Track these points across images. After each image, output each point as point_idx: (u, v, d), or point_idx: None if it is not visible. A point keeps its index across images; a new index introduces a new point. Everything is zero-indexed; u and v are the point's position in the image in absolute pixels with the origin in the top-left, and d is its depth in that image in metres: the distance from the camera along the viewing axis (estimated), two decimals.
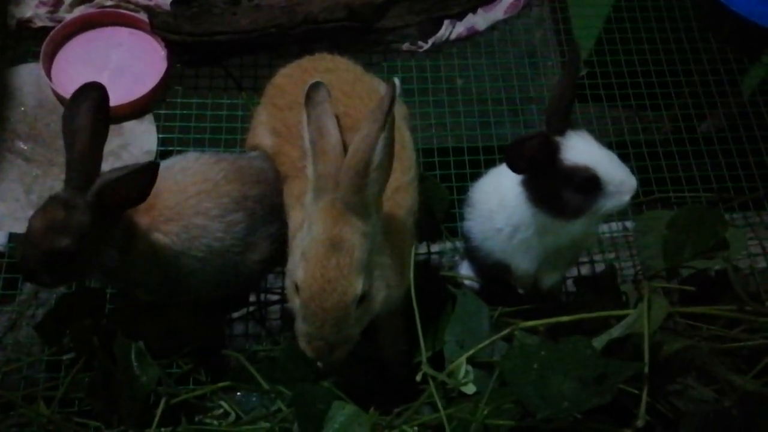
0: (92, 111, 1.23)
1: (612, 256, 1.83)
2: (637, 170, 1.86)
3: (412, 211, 1.35)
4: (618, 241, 1.85)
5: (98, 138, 1.25)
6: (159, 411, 1.18)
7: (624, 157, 1.87)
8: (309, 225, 1.16)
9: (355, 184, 1.13)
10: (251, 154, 1.52)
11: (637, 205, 1.84)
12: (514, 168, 1.22)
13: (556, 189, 1.22)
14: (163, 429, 1.21)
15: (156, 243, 1.31)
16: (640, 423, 1.04)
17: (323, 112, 1.19)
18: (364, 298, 1.14)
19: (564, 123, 1.22)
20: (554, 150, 1.20)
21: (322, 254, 1.11)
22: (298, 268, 1.13)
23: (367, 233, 1.14)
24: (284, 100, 1.45)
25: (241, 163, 1.44)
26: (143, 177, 1.20)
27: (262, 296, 1.68)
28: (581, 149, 1.20)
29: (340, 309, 1.11)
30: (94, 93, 1.23)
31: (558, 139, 1.21)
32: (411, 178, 1.36)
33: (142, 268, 1.32)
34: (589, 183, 1.19)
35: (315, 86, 1.21)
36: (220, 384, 1.30)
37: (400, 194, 1.32)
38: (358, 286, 1.12)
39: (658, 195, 1.84)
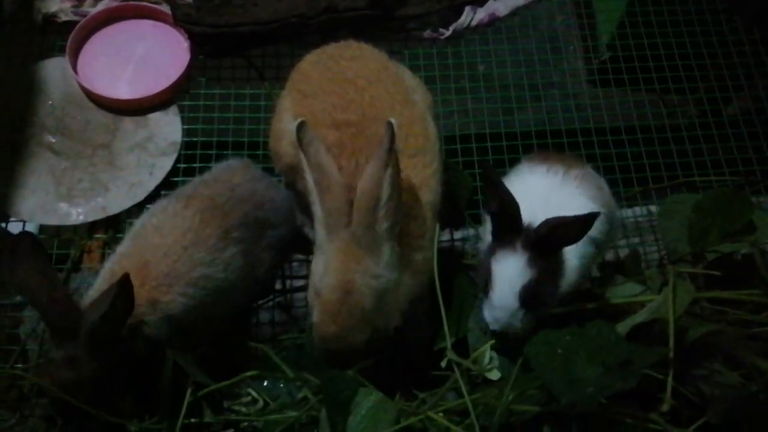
0: (33, 259, 1.18)
1: (636, 240, 1.82)
2: (662, 154, 1.88)
3: (435, 204, 1.35)
4: (642, 225, 1.84)
5: (53, 278, 1.19)
6: (186, 402, 1.20)
7: (648, 142, 1.89)
8: (324, 263, 1.21)
9: (365, 222, 1.18)
10: (216, 168, 1.51)
11: (662, 189, 1.83)
12: (486, 194, 1.27)
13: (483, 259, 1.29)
14: (192, 419, 1.23)
15: (164, 314, 1.29)
16: (665, 407, 1.04)
17: (317, 150, 1.23)
18: (372, 336, 1.21)
19: (536, 243, 1.22)
20: (504, 238, 1.24)
21: (334, 302, 1.17)
22: (314, 307, 1.20)
23: (379, 275, 1.19)
24: (309, 87, 1.44)
25: (209, 193, 1.41)
26: (123, 296, 1.16)
27: (288, 283, 1.70)
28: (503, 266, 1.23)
29: (350, 349, 1.20)
30: (23, 244, 1.18)
31: (515, 243, 1.23)
32: (433, 171, 1.36)
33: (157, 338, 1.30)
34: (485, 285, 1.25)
35: (301, 126, 1.23)
36: (247, 373, 1.31)
37: (422, 190, 1.33)
38: (368, 332, 1.20)
39: (683, 179, 1.83)
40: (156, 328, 1.28)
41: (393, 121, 1.18)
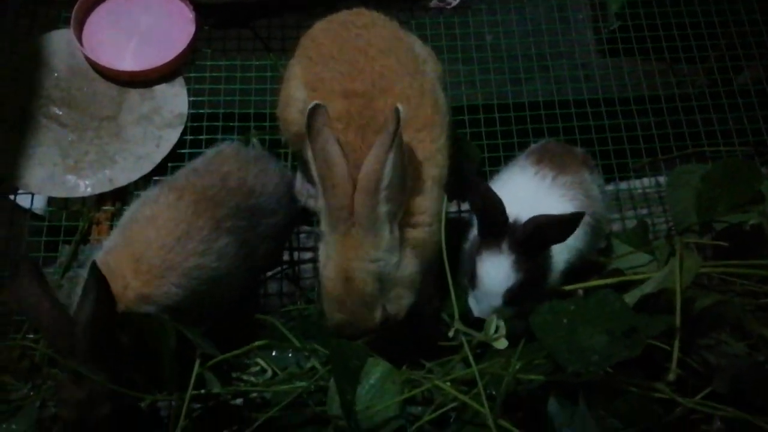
0: (36, 282, 1.17)
1: (645, 211, 1.82)
2: (671, 125, 1.86)
3: (440, 178, 1.35)
4: (651, 196, 1.84)
5: (55, 302, 1.18)
6: (194, 373, 1.21)
7: (657, 112, 1.88)
8: (327, 255, 1.23)
9: (367, 204, 1.19)
10: (207, 155, 1.49)
11: (671, 160, 1.82)
12: (461, 197, 1.28)
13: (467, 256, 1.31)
14: (202, 390, 1.24)
15: (158, 306, 1.28)
16: (671, 377, 1.05)
17: (327, 141, 1.22)
18: (387, 318, 1.24)
19: (521, 243, 1.22)
20: (487, 238, 1.24)
21: (337, 291, 1.21)
22: (322, 295, 1.24)
23: (378, 258, 1.21)
24: (319, 54, 1.42)
25: (202, 184, 1.40)
26: (101, 299, 1.15)
27: (295, 255, 1.71)
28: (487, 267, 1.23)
29: (359, 334, 1.23)
30: (28, 266, 1.18)
31: (500, 243, 1.22)
32: (440, 145, 1.36)
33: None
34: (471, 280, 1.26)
35: (314, 111, 1.22)
36: (256, 343, 1.32)
37: (427, 165, 1.32)
38: (375, 316, 1.22)
39: (693, 150, 1.82)
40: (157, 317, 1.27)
41: (400, 107, 1.18)
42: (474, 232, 1.33)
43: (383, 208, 1.20)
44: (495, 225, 1.22)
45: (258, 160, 1.52)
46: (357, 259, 1.20)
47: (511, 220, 1.23)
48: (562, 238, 1.21)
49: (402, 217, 1.27)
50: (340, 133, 1.29)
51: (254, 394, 1.29)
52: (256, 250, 1.44)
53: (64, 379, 1.15)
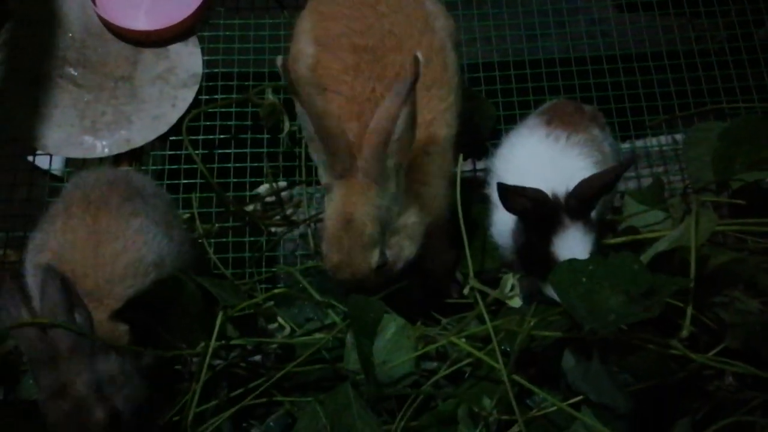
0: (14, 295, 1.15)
1: (660, 169, 1.81)
2: (689, 81, 1.84)
3: (449, 138, 1.35)
4: (667, 154, 1.83)
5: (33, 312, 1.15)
6: (217, 324, 1.24)
7: (675, 68, 1.85)
8: (328, 201, 1.23)
9: (375, 154, 1.18)
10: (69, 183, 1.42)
11: (689, 117, 1.80)
12: (505, 207, 1.20)
13: (531, 248, 1.23)
14: (223, 341, 1.28)
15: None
16: (684, 334, 1.06)
17: (312, 97, 1.19)
18: (384, 264, 1.23)
19: (582, 210, 1.19)
20: (548, 223, 1.19)
21: (335, 232, 1.21)
22: (323, 237, 1.24)
23: (381, 206, 1.21)
24: (329, 9, 1.42)
25: (79, 194, 1.33)
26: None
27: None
28: (572, 250, 1.17)
29: (357, 277, 1.22)
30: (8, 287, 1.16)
31: (565, 220, 1.18)
32: (449, 104, 1.36)
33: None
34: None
35: (284, 67, 1.18)
36: (276, 290, 1.35)
37: (436, 125, 1.32)
38: (371, 259, 1.22)
39: (711, 107, 1.80)
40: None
41: (419, 55, 1.16)
42: (499, 213, 1.30)
43: (391, 161, 1.20)
44: (544, 214, 1.19)
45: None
46: (359, 203, 1.20)
47: (549, 194, 1.20)
48: (608, 192, 1.20)
49: (410, 174, 1.27)
50: (348, 85, 1.30)
51: (274, 346, 1.32)
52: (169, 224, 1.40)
53: (64, 408, 1.10)
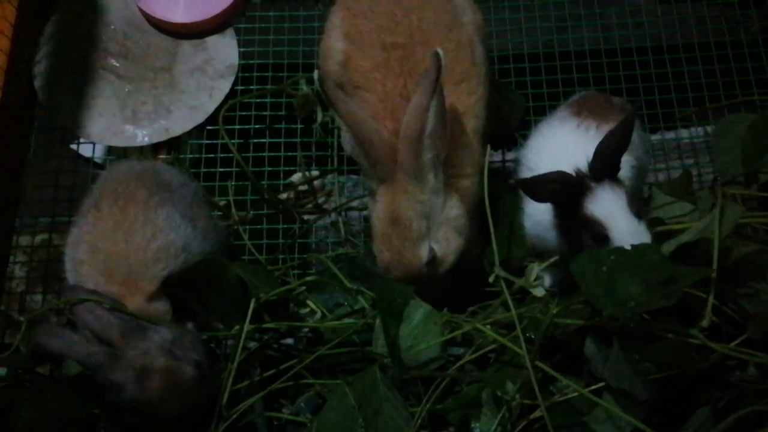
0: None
1: (691, 161, 1.81)
2: (720, 73, 1.83)
3: (480, 130, 1.38)
4: (698, 146, 1.83)
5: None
6: (251, 309, 1.29)
7: (707, 60, 1.84)
8: (372, 204, 1.30)
9: (411, 151, 1.23)
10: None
11: (719, 109, 1.80)
12: (535, 199, 1.23)
13: (571, 225, 1.24)
14: (255, 325, 1.33)
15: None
16: (705, 323, 1.07)
17: (347, 107, 1.26)
18: (434, 258, 1.28)
19: (606, 170, 1.20)
20: (578, 193, 1.20)
21: (383, 231, 1.28)
22: (373, 237, 1.31)
23: (423, 200, 1.26)
24: (358, 5, 1.44)
25: (109, 188, 1.40)
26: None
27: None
28: (605, 203, 1.19)
29: (410, 273, 1.28)
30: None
31: (591, 184, 1.20)
32: (478, 97, 1.38)
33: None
34: (598, 237, 1.19)
35: (322, 80, 1.28)
36: (308, 279, 1.40)
37: (467, 118, 1.35)
38: (421, 254, 1.27)
39: (742, 99, 1.79)
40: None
41: (440, 51, 1.20)
42: (532, 204, 1.32)
43: (427, 155, 1.24)
44: (572, 189, 1.21)
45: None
46: (403, 200, 1.26)
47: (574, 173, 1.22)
48: (626, 144, 1.21)
49: (447, 168, 1.30)
50: (379, 84, 1.33)
51: (306, 330, 1.36)
52: (196, 215, 1.47)
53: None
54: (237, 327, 1.27)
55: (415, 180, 1.25)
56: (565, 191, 1.20)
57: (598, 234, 1.19)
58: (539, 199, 1.23)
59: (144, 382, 1.15)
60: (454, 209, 1.32)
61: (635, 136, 1.42)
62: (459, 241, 1.32)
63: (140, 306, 1.28)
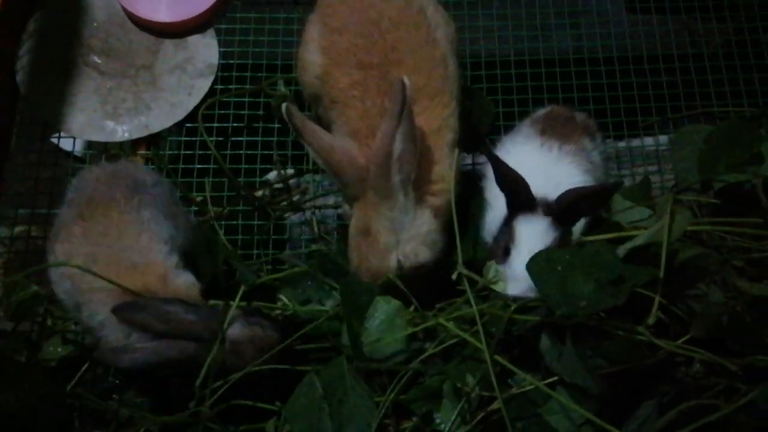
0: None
1: (654, 168, 1.88)
2: (682, 84, 1.90)
3: (454, 140, 1.44)
4: (663, 154, 1.89)
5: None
6: (240, 292, 1.35)
7: (670, 72, 1.91)
8: (352, 216, 1.38)
9: (380, 175, 1.31)
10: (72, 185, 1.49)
11: (681, 119, 1.87)
12: (496, 179, 1.31)
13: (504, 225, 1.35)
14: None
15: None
16: (650, 321, 1.14)
17: (314, 133, 1.34)
18: (401, 268, 1.36)
19: (562, 216, 1.29)
20: (525, 207, 1.30)
21: (355, 242, 1.36)
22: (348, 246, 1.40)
23: (393, 218, 1.34)
24: (336, 22, 1.47)
25: (87, 193, 1.43)
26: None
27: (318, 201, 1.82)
28: (530, 232, 1.29)
29: (375, 278, 1.35)
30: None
31: (538, 210, 1.29)
32: (452, 109, 1.44)
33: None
34: (505, 249, 1.31)
35: (289, 112, 1.33)
36: (284, 273, 1.48)
37: (442, 131, 1.41)
38: (390, 264, 1.35)
39: (702, 110, 1.86)
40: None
41: (406, 81, 1.26)
42: (493, 212, 1.41)
43: (396, 178, 1.31)
44: (525, 200, 1.29)
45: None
46: (373, 217, 1.34)
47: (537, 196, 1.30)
48: (595, 210, 1.30)
49: (422, 185, 1.37)
50: (358, 101, 1.39)
51: (278, 312, 1.45)
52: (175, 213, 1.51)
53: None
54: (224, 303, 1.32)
55: (384, 199, 1.33)
56: (516, 197, 1.29)
57: (506, 247, 1.30)
58: (499, 181, 1.30)
59: (240, 353, 1.28)
60: (425, 225, 1.38)
61: (598, 158, 1.51)
62: (426, 254, 1.39)
63: (167, 287, 1.33)
